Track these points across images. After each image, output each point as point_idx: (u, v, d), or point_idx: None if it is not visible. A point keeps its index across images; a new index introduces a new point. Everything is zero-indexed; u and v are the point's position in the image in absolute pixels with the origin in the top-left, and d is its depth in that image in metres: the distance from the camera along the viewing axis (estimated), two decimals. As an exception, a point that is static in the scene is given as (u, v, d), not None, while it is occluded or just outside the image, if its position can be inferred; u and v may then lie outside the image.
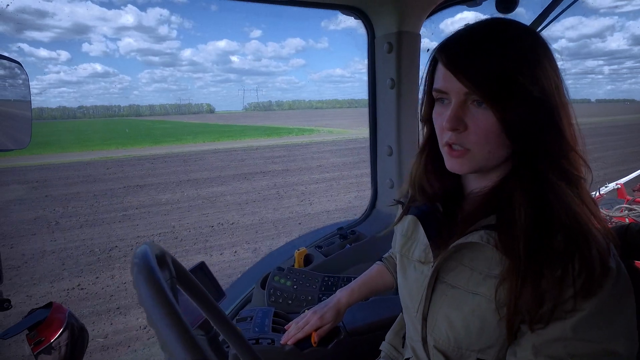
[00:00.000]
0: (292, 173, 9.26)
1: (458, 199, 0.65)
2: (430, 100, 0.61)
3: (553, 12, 1.18)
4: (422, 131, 0.68)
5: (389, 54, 1.30)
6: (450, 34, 0.57)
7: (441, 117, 0.57)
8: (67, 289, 3.75)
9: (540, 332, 0.51)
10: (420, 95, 1.45)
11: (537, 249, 0.50)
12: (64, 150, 16.14)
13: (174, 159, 12.14)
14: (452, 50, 0.55)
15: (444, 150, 0.59)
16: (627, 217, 3.20)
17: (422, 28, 1.33)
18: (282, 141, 17.23)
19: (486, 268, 0.56)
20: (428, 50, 1.40)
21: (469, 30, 0.55)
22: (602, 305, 0.49)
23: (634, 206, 3.32)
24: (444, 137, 0.57)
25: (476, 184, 0.62)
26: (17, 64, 0.75)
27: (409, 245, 0.71)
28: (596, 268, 0.48)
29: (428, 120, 0.63)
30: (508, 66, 0.51)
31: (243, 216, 5.95)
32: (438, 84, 0.57)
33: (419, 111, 0.66)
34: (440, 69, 0.56)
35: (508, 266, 0.52)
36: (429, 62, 0.61)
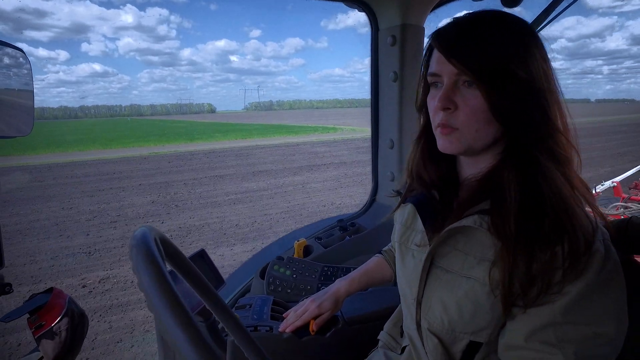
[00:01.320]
0: (353, 165, 9.85)
1: (454, 186, 0.67)
2: (425, 88, 0.64)
3: (554, 12, 1.18)
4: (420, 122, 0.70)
5: (393, 47, 1.30)
6: (447, 23, 0.60)
7: (434, 100, 0.59)
8: (248, 250, 4.36)
9: (531, 318, 0.52)
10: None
11: (527, 229, 0.51)
12: (105, 146, 16.71)
13: (227, 154, 12.88)
14: (444, 34, 0.58)
15: (436, 132, 0.61)
16: (622, 215, 3.21)
17: (426, 21, 1.32)
18: (313, 138, 17.87)
19: (480, 252, 0.57)
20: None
21: (462, 18, 0.58)
22: (589, 288, 0.49)
23: (629, 204, 3.31)
24: (436, 119, 0.60)
25: (470, 170, 0.63)
26: (20, 52, 0.75)
27: (408, 234, 0.72)
28: (582, 250, 0.49)
29: (423, 108, 0.66)
30: (496, 49, 0.54)
31: (342, 198, 6.48)
32: (433, 67, 0.60)
33: (415, 101, 0.68)
34: (435, 54, 0.59)
35: (501, 247, 0.53)
36: (426, 50, 0.63)
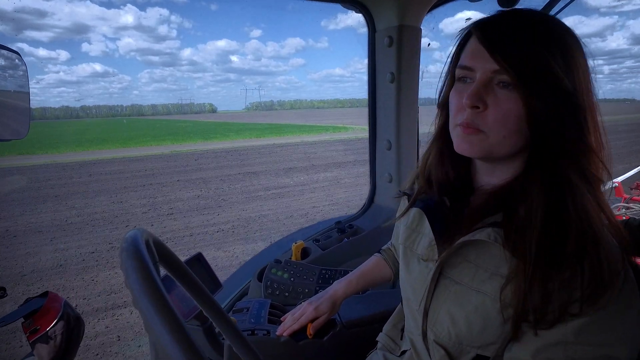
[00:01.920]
0: (376, 162, 10.27)
1: (466, 193, 0.63)
2: (451, 82, 0.59)
3: (551, 12, 1.17)
4: (434, 121, 0.66)
5: (389, 47, 1.29)
6: (490, 15, 0.55)
7: (460, 95, 0.54)
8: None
9: (541, 335, 0.51)
10: (420, 91, 1.43)
11: (548, 252, 0.49)
12: (125, 145, 16.90)
13: (249, 153, 13.11)
14: (490, 26, 0.53)
15: (456, 131, 0.56)
16: (624, 216, 3.21)
17: (422, 22, 1.32)
18: (326, 137, 18.05)
19: (492, 266, 0.55)
20: (429, 45, 1.40)
21: (511, 13, 0.54)
22: (606, 311, 0.48)
23: (631, 204, 3.30)
24: (458, 117, 0.55)
25: (486, 178, 0.61)
26: (16, 54, 0.75)
27: (414, 238, 0.69)
28: (604, 274, 0.47)
29: (445, 104, 0.60)
30: (545, 52, 0.49)
31: (380, 192, 6.81)
32: (465, 60, 0.55)
33: (437, 96, 0.64)
34: (471, 45, 0.55)
35: (516, 267, 0.50)
36: (458, 38, 0.58)
